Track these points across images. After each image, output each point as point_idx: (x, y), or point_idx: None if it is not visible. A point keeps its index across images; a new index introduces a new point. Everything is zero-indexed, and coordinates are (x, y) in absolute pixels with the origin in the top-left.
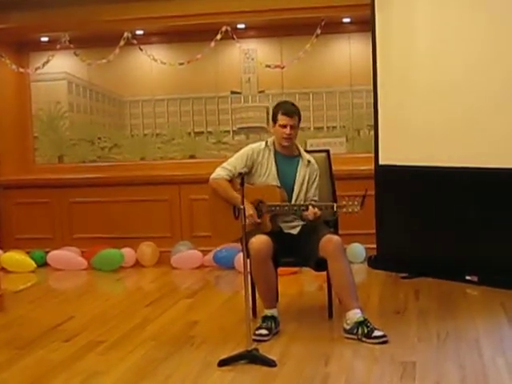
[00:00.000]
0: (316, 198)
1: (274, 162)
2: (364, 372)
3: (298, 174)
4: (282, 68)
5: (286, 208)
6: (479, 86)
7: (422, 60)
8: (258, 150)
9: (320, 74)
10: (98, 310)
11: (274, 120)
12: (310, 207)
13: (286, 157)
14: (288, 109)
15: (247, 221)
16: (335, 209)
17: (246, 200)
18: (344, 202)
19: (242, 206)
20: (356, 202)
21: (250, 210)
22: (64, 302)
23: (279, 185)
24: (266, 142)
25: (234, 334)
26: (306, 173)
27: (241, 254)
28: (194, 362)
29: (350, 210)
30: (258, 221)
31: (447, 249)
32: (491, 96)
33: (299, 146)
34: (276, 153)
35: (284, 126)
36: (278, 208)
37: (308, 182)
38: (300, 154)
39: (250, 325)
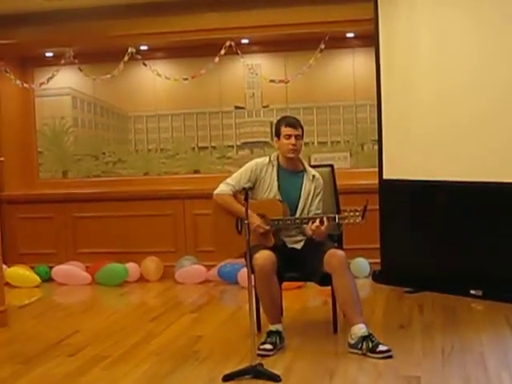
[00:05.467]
0: (319, 212)
1: (276, 178)
2: None
3: (303, 190)
4: (286, 83)
5: (289, 222)
6: (484, 100)
7: (426, 74)
8: (261, 165)
9: (324, 89)
10: (102, 324)
11: (278, 134)
12: (311, 221)
13: (291, 172)
14: (291, 120)
15: (257, 231)
16: (337, 220)
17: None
18: (346, 214)
19: (246, 221)
20: (358, 213)
21: (256, 221)
22: (68, 316)
23: (281, 199)
24: (270, 158)
25: (238, 348)
26: (310, 188)
27: (244, 270)
28: (198, 376)
29: (352, 220)
30: (267, 227)
31: (451, 263)
32: (496, 110)
33: (304, 161)
34: (280, 168)
35: (289, 137)
36: (280, 222)
37: (312, 197)
38: (305, 169)
39: (255, 340)
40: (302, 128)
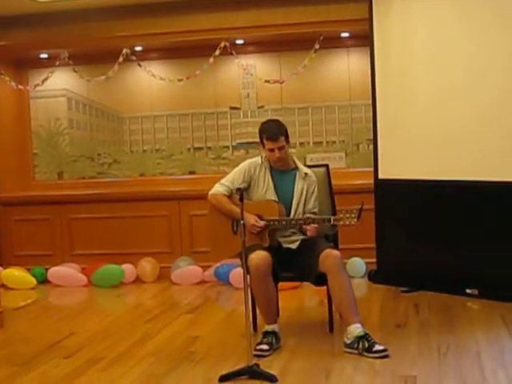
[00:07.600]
0: (316, 210)
1: (271, 179)
2: None
3: (295, 188)
4: (281, 83)
5: (284, 222)
6: (479, 98)
7: (421, 74)
8: (254, 165)
9: (319, 89)
10: (98, 326)
11: (262, 143)
12: (310, 224)
13: (283, 171)
14: (271, 132)
15: (254, 230)
16: (332, 222)
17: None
18: (341, 215)
19: (242, 222)
20: (353, 215)
21: (251, 220)
22: (64, 318)
23: (277, 199)
24: (261, 159)
25: (234, 349)
26: (303, 185)
27: (236, 270)
28: (194, 377)
29: (348, 222)
30: (262, 224)
31: (447, 262)
32: (491, 109)
33: (295, 159)
34: (272, 168)
35: (272, 150)
36: (276, 222)
37: (306, 195)
38: (297, 167)
39: (251, 340)
40: (284, 135)
